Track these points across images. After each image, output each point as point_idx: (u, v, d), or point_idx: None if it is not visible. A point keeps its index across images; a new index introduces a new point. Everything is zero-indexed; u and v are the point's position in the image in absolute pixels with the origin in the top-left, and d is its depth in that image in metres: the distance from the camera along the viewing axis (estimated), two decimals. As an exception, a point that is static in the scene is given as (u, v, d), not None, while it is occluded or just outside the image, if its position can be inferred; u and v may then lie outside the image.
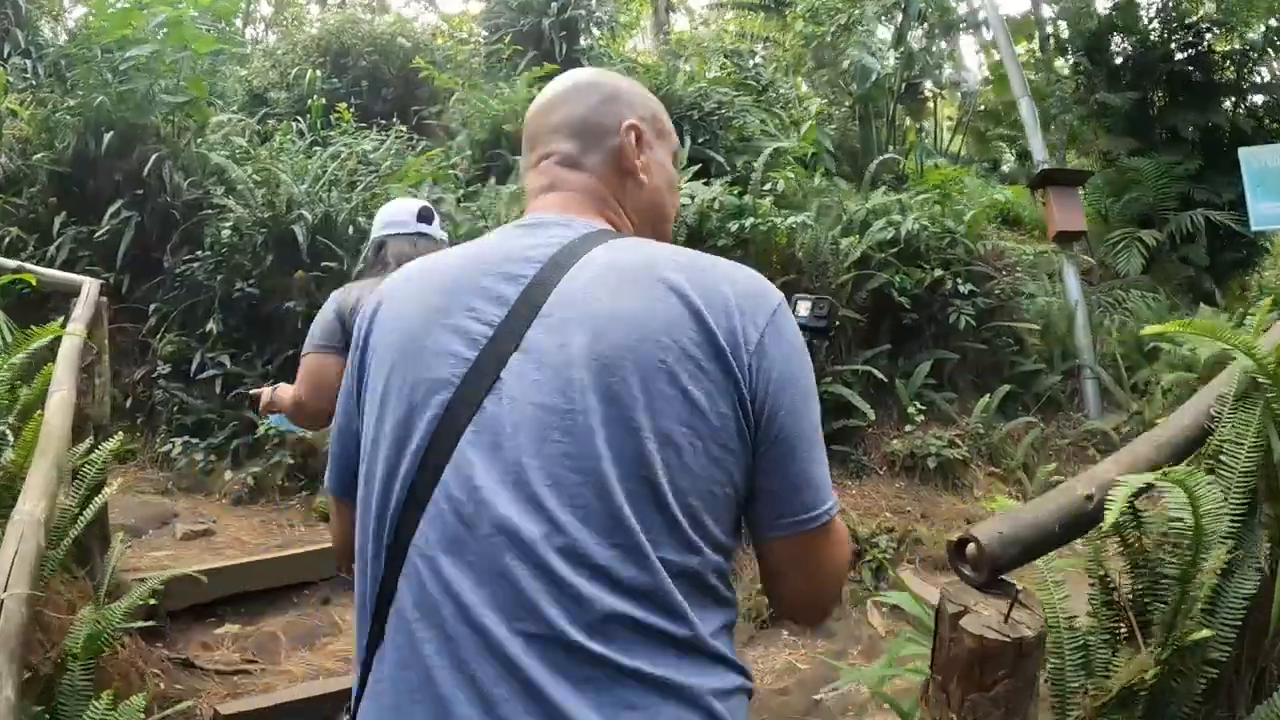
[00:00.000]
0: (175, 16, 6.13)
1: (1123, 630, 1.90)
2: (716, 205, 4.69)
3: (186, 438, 5.24)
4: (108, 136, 5.85)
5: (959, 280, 5.03)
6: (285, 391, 2.30)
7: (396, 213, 2.42)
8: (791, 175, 5.51)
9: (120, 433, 2.71)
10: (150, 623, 2.54)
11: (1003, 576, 1.40)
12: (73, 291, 3.21)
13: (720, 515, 0.87)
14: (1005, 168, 11.75)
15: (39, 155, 6.10)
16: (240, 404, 5.32)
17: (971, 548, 1.38)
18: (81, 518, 2.14)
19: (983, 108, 11.74)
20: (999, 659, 1.31)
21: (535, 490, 0.82)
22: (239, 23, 11.89)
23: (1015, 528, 1.42)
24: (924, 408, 4.79)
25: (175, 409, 5.44)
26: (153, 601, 2.33)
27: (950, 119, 12.56)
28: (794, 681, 3.19)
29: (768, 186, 5.33)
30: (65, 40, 8.01)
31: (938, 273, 4.94)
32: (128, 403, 5.70)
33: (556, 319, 0.88)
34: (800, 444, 0.90)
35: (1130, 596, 1.92)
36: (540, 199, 1.04)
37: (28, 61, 7.46)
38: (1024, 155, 11.15)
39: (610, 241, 0.95)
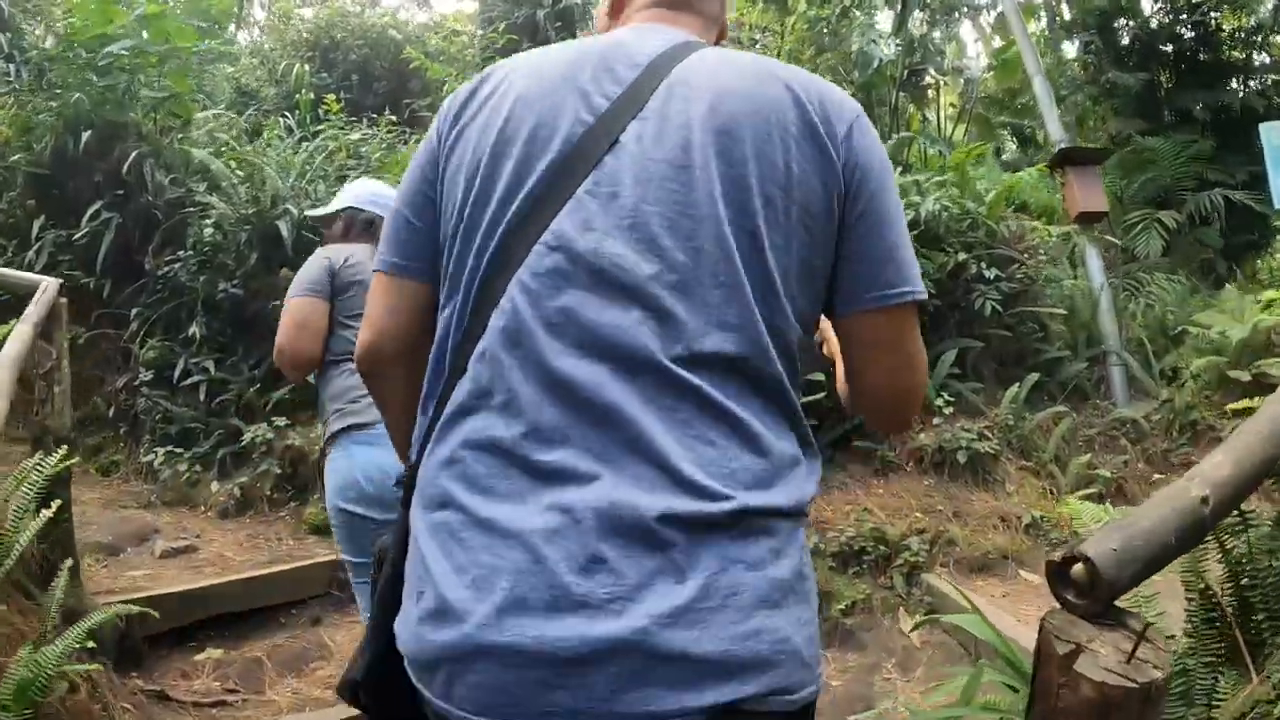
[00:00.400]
0: (155, 10, 5.89)
1: (1222, 651, 1.64)
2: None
3: (170, 447, 4.98)
4: (86, 135, 5.58)
5: (983, 264, 4.74)
6: None
7: (381, 194, 2.50)
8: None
9: (65, 447, 2.44)
10: (95, 666, 2.24)
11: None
12: (32, 292, 2.94)
13: (806, 284, 0.93)
14: (1005, 155, 11.50)
15: (16, 157, 5.85)
16: (226, 411, 5.07)
17: (1079, 569, 1.11)
18: (18, 545, 1.87)
19: (984, 94, 11.49)
20: (1123, 709, 1.03)
21: (653, 232, 0.87)
22: (232, 28, 11.64)
23: (1129, 541, 1.15)
24: (952, 399, 4.50)
25: (158, 418, 5.17)
26: (91, 645, 2.05)
27: (953, 106, 12.31)
28: (825, 701, 2.91)
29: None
30: (51, 43, 7.78)
31: (961, 256, 4.66)
32: (110, 412, 5.46)
33: (676, 93, 0.93)
34: (886, 221, 0.95)
35: (1232, 611, 1.65)
36: (656, 11, 1.10)
37: (11, 65, 7.23)
38: (1026, 141, 10.90)
39: (710, 49, 1.02)
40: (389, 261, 1.03)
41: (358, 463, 2.13)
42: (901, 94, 9.54)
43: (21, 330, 2.39)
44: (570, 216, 0.88)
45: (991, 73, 11.49)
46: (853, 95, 5.96)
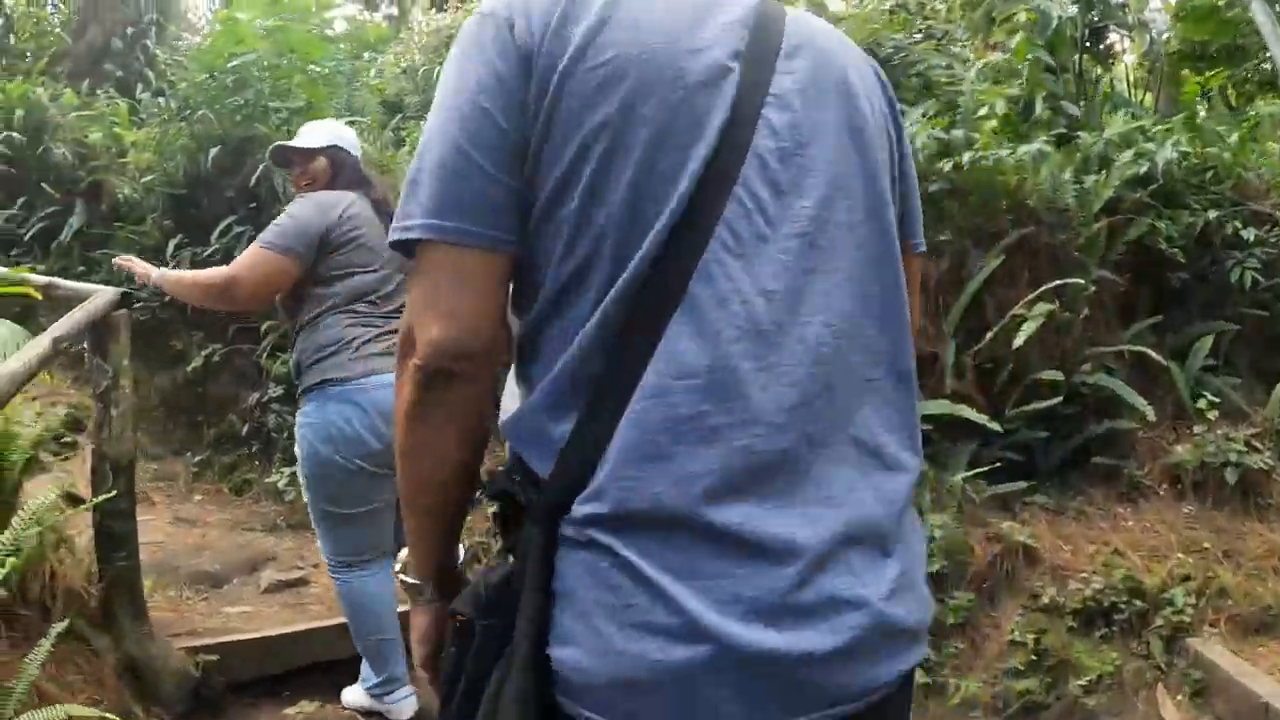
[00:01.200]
0: (277, 25, 5.87)
1: None
2: (919, 143, 3.60)
3: (295, 467, 4.74)
4: (213, 151, 5.59)
5: (1237, 224, 3.68)
6: (182, 273, 2.58)
7: (353, 140, 2.54)
8: (1012, 92, 4.29)
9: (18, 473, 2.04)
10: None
11: None
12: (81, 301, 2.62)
13: None
14: (1198, 120, 9.87)
15: (150, 178, 5.93)
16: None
17: None
18: None
19: (1170, 51, 9.95)
20: None
21: (832, 236, 0.81)
22: (391, 55, 11.88)
23: None
24: (1215, 400, 3.46)
25: (287, 435, 4.95)
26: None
27: (1143, 66, 10.78)
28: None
29: (983, 111, 4.05)
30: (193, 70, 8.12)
31: (1211, 215, 3.62)
32: (244, 429, 5.34)
33: (799, 63, 0.84)
34: (913, 172, 0.99)
35: None
36: None
37: (160, 99, 7.49)
38: (1216, 103, 9.34)
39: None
40: (468, 231, 0.78)
41: (333, 411, 2.27)
42: (1084, 56, 8.36)
43: (37, 344, 2.01)
44: (745, 188, 0.78)
45: (1178, 25, 9.96)
46: (1035, 60, 4.90)
